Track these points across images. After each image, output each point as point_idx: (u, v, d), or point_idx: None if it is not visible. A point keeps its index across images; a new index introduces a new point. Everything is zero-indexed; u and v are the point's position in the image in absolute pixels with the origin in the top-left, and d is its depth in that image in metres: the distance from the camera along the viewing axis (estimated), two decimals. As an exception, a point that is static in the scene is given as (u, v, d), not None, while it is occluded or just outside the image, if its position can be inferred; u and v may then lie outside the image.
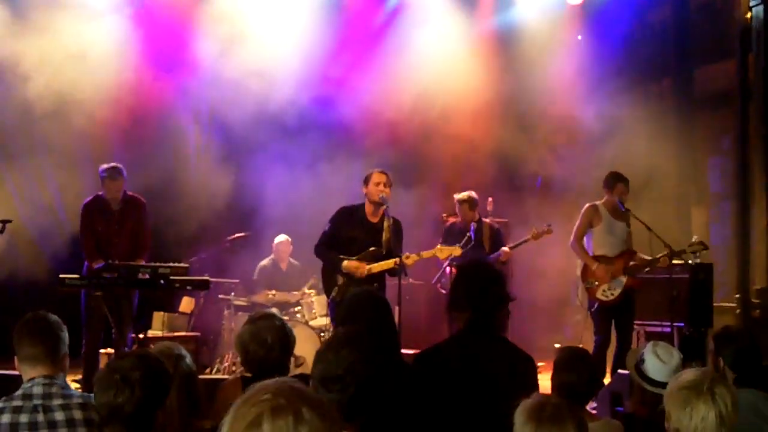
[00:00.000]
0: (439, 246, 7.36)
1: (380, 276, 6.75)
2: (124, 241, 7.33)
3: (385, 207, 6.71)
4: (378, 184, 6.71)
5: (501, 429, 3.23)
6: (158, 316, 9.01)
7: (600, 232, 7.67)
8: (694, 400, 2.72)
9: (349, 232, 6.78)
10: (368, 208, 6.82)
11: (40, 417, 3.06)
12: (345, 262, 6.66)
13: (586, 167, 10.04)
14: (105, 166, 7.33)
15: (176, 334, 8.81)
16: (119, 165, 7.33)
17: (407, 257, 6.64)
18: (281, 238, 9.59)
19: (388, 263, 6.65)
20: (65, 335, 3.37)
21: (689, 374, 2.84)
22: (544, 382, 3.74)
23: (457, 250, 7.25)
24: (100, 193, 7.40)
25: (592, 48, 10.76)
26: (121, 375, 2.72)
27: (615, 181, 7.71)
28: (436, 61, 10.44)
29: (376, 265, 6.68)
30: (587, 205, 7.78)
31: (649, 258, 7.56)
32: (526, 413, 2.61)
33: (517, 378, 3.50)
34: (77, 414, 3.11)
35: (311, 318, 8.74)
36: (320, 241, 6.88)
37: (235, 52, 9.54)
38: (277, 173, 9.85)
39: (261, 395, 1.70)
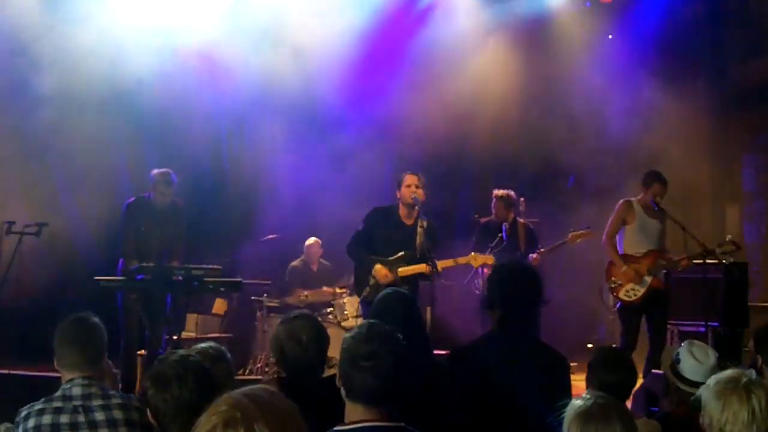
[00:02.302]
0: (473, 254, 7.15)
1: (412, 278, 6.69)
2: (163, 244, 7.35)
3: (418, 209, 6.68)
4: (409, 186, 6.66)
5: (532, 429, 3.23)
6: (192, 318, 9.07)
7: (632, 230, 7.50)
8: (729, 393, 2.74)
9: (383, 233, 6.71)
10: (402, 211, 6.77)
11: (81, 417, 3.09)
12: (376, 266, 6.61)
13: (618, 166, 9.97)
14: (160, 170, 7.34)
15: (209, 335, 8.83)
16: (171, 171, 7.36)
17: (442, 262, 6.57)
18: (311, 240, 9.66)
19: (420, 267, 6.55)
20: (104, 340, 3.38)
21: (731, 371, 2.85)
22: (577, 383, 3.72)
23: (490, 258, 7.12)
24: (144, 194, 7.44)
25: (624, 46, 10.68)
26: (175, 371, 2.73)
27: (652, 180, 7.53)
28: (468, 62, 10.42)
29: (407, 268, 6.60)
30: (621, 201, 7.63)
31: (676, 259, 7.45)
32: (572, 411, 2.62)
33: (549, 378, 3.48)
34: (117, 414, 3.13)
35: (343, 319, 8.75)
36: (352, 240, 6.82)
37: (268, 52, 9.57)
38: (309, 174, 9.88)
39: (220, 406, 1.69)
